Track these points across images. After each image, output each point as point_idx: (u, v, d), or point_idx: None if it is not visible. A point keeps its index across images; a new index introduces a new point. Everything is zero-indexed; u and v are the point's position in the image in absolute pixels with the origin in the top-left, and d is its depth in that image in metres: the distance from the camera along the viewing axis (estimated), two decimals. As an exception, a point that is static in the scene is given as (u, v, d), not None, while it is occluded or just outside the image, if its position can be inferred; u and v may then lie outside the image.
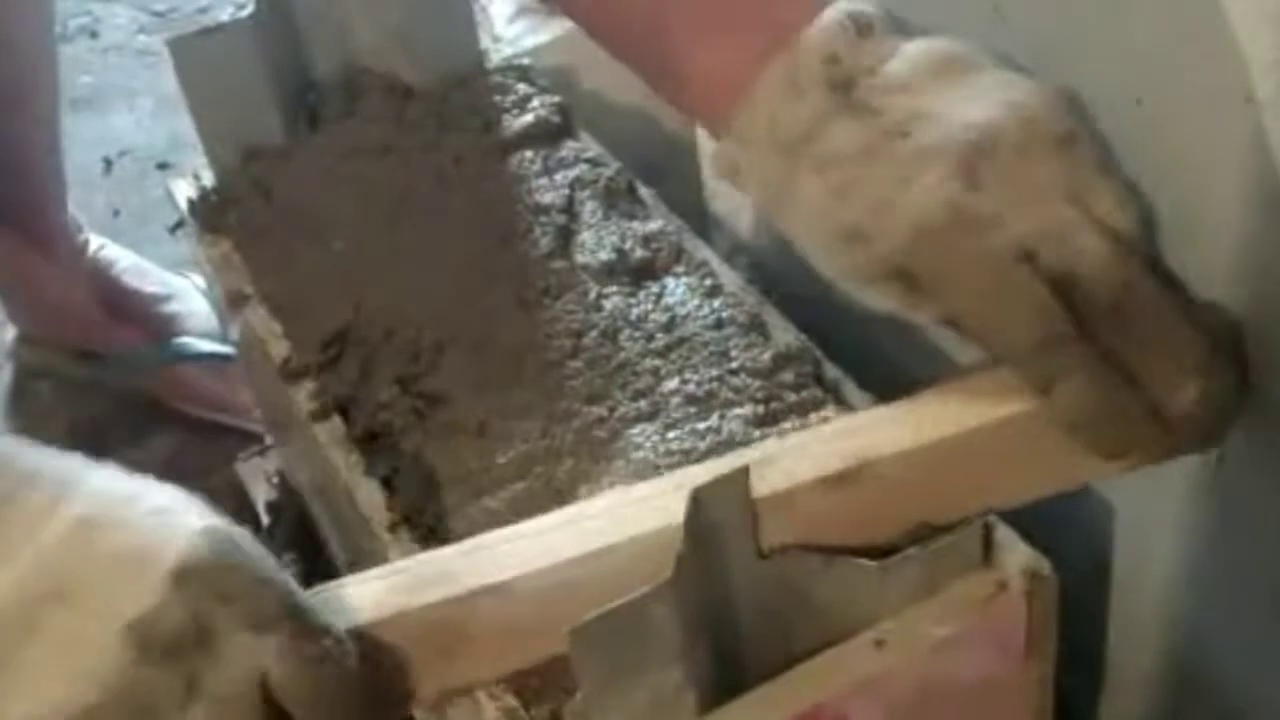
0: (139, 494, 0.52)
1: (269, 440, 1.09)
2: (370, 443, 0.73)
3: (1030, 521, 0.61)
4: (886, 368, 0.74)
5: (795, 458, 0.59)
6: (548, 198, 0.85)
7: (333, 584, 0.57)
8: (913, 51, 0.60)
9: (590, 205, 0.84)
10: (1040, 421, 0.56)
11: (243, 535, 0.52)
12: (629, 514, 0.59)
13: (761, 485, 0.57)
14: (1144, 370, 0.54)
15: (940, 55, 0.59)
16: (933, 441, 0.58)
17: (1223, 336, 0.56)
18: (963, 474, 0.59)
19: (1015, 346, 0.56)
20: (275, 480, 1.00)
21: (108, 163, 1.58)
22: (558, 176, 0.86)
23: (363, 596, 0.57)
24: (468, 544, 0.60)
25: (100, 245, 1.27)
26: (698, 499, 0.53)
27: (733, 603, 0.56)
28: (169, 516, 0.51)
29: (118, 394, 1.27)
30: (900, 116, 0.58)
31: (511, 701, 0.59)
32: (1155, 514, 0.66)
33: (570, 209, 0.84)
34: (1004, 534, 0.61)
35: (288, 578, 0.52)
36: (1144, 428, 0.54)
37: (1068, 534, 0.65)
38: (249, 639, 0.50)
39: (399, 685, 0.56)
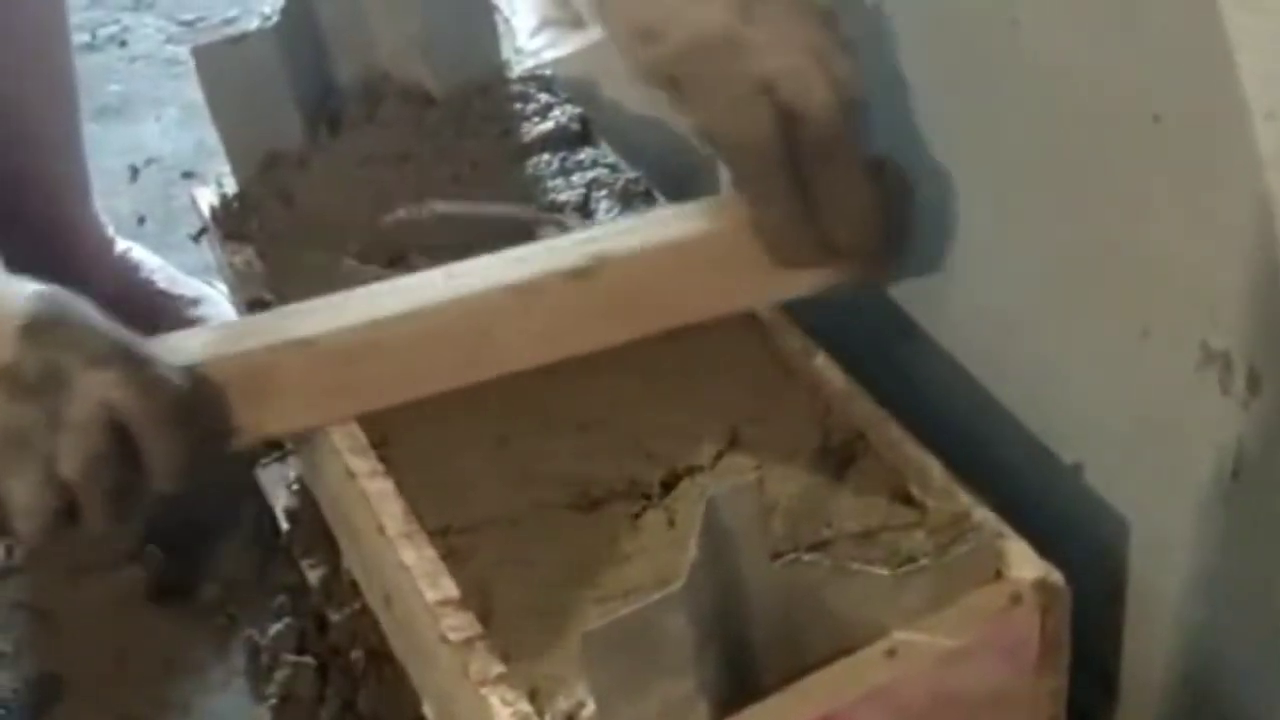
0: None
1: (289, 446, 1.09)
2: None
3: (1044, 534, 0.61)
4: (891, 372, 0.74)
5: (545, 255, 0.70)
6: (564, 197, 0.86)
7: (167, 334, 0.69)
8: None
9: (606, 204, 0.85)
10: (748, 236, 0.67)
11: (71, 294, 0.65)
12: (431, 292, 0.69)
13: (515, 275, 0.69)
14: (827, 203, 0.66)
15: None
16: (659, 245, 0.70)
17: (893, 189, 0.68)
18: (685, 276, 0.70)
19: (742, 162, 0.67)
20: (295, 487, 1.00)
21: (134, 170, 1.59)
22: (575, 178, 0.87)
23: (190, 342, 0.69)
24: (294, 305, 0.72)
25: (128, 247, 1.27)
26: (711, 506, 0.53)
27: (745, 611, 0.56)
28: (7, 286, 0.64)
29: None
30: None
31: (525, 707, 0.59)
32: (1170, 528, 0.65)
33: (586, 207, 0.85)
34: (1018, 547, 0.61)
35: (115, 324, 0.65)
36: (818, 251, 0.67)
37: (1082, 547, 0.65)
38: (93, 374, 0.63)
39: (221, 418, 0.68)
